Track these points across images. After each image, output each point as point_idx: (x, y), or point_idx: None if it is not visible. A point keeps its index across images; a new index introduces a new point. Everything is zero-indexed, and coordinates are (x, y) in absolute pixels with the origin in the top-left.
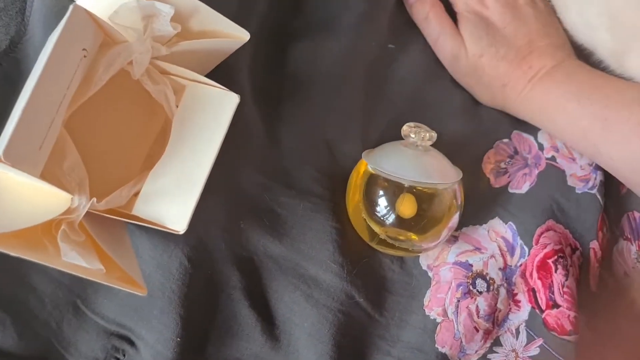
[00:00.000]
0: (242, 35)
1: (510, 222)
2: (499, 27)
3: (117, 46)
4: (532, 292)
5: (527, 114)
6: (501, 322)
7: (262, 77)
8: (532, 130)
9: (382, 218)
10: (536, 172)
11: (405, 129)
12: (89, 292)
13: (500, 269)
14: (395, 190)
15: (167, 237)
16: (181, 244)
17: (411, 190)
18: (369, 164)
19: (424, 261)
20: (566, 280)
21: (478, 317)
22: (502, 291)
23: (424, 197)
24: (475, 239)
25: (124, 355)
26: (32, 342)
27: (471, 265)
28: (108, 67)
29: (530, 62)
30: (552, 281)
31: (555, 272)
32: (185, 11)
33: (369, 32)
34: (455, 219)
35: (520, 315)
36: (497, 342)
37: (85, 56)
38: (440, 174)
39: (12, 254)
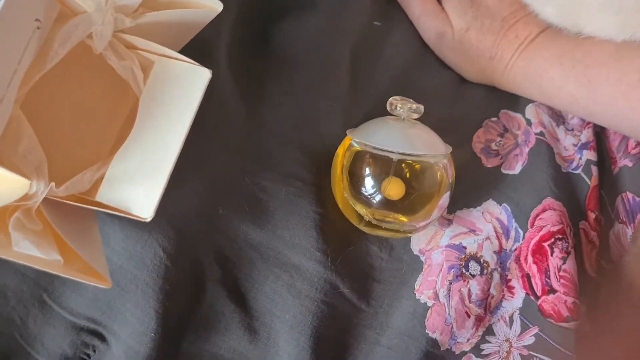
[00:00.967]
0: (214, 6)
1: (504, 204)
2: None
3: (75, 17)
4: (527, 278)
5: (515, 85)
6: (494, 309)
7: (243, 57)
8: (520, 108)
9: (368, 198)
10: (527, 149)
11: (390, 101)
12: (57, 285)
13: (495, 252)
14: (381, 166)
15: (140, 226)
16: (155, 233)
17: (399, 165)
18: (353, 138)
19: (416, 245)
20: (564, 263)
21: (470, 301)
22: (496, 276)
23: (413, 174)
24: (469, 221)
25: (94, 351)
26: None
27: (464, 248)
28: (65, 40)
29: (516, 31)
30: (548, 265)
31: (552, 255)
32: None
33: (353, 8)
34: (446, 197)
35: (514, 302)
36: (489, 331)
37: (38, 27)
38: (429, 146)
39: None
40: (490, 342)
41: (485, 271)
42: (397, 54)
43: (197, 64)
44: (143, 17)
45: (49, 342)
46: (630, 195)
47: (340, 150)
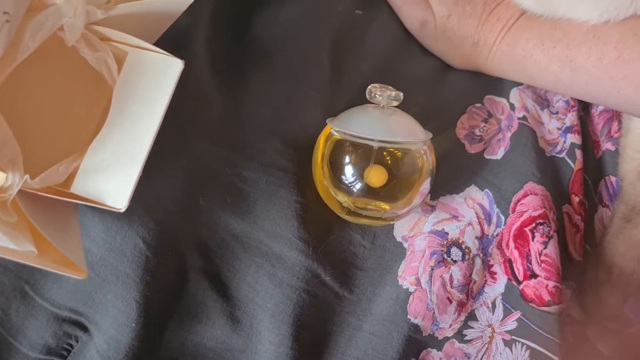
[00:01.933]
0: None
1: (486, 189)
2: None
3: (45, 10)
4: (509, 263)
5: (500, 69)
6: (476, 295)
7: (222, 46)
8: (504, 93)
9: (349, 186)
10: (509, 134)
11: (369, 89)
12: (37, 277)
13: (477, 237)
14: (362, 155)
15: (120, 218)
16: (135, 224)
17: (380, 153)
18: (333, 127)
19: (399, 232)
20: (545, 248)
21: (452, 286)
22: (478, 261)
23: (394, 161)
24: (452, 207)
25: (77, 342)
26: None
27: (447, 234)
28: (35, 33)
29: (498, 15)
30: (529, 250)
31: (533, 240)
32: None
33: None
34: (427, 183)
35: (496, 287)
36: (472, 317)
37: (8, 20)
38: (409, 133)
39: None
40: (473, 328)
41: (467, 257)
42: (379, 41)
43: (170, 54)
44: (115, 8)
45: (31, 334)
46: (613, 179)
47: (320, 139)
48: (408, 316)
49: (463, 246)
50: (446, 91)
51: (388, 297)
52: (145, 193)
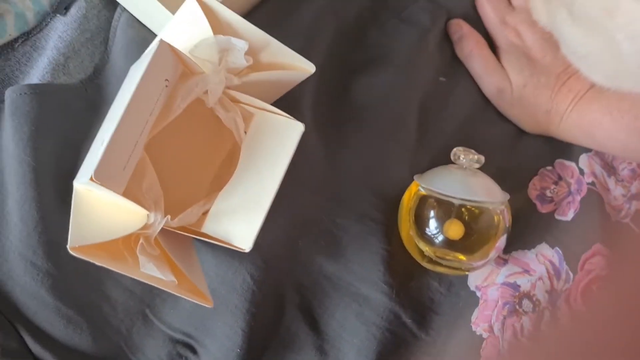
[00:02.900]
0: (308, 68)
1: (556, 248)
2: (538, 57)
3: (195, 77)
4: None
5: (570, 136)
6: None
7: (325, 106)
8: (574, 158)
9: (431, 238)
10: (579, 198)
11: (454, 151)
12: (158, 302)
13: (547, 291)
14: (444, 210)
15: (231, 254)
16: (245, 262)
17: (460, 209)
18: (420, 184)
19: (473, 282)
20: None
21: (522, 336)
22: (547, 314)
23: (472, 217)
24: (524, 261)
25: None
26: (104, 345)
27: (519, 286)
28: (186, 96)
29: (569, 87)
30: None
31: None
32: (258, 45)
33: (422, 65)
34: (502, 240)
35: None
36: None
37: (166, 86)
38: (488, 193)
39: (97, 263)
40: None
41: (537, 309)
42: (460, 106)
43: (292, 117)
44: (248, 76)
45: (149, 352)
46: None
47: (407, 194)
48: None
49: (534, 299)
50: (520, 154)
51: (461, 341)
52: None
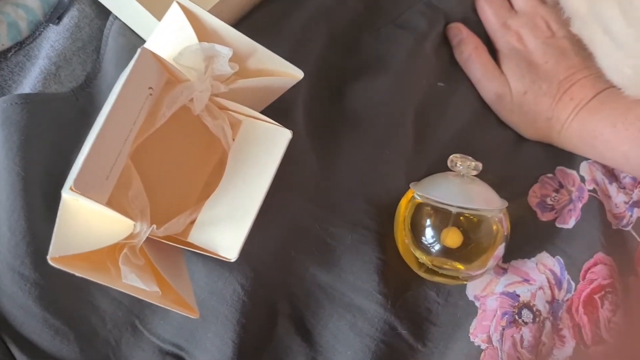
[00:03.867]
0: (296, 74)
1: (557, 256)
2: (540, 63)
3: (180, 85)
4: (577, 328)
5: (571, 144)
6: (545, 357)
7: (318, 113)
8: (575, 165)
9: (428, 247)
10: (580, 205)
11: (451, 158)
12: (147, 313)
13: (547, 301)
14: (441, 218)
15: (222, 264)
16: (235, 271)
17: (457, 217)
18: (416, 192)
19: (471, 292)
20: (614, 316)
21: (522, 347)
22: (548, 324)
23: (470, 226)
24: (524, 271)
25: None
26: (92, 357)
27: (518, 296)
28: (171, 104)
29: (572, 95)
30: (598, 317)
31: (602, 307)
32: (244, 52)
33: (419, 70)
34: (501, 248)
35: (565, 351)
36: None
37: (151, 94)
38: (486, 201)
39: (78, 274)
40: None
41: (537, 319)
42: (458, 112)
43: (279, 124)
44: (235, 83)
45: None
46: None
47: (403, 202)
48: None
49: (534, 309)
50: (519, 161)
51: (459, 352)
52: (245, 244)
